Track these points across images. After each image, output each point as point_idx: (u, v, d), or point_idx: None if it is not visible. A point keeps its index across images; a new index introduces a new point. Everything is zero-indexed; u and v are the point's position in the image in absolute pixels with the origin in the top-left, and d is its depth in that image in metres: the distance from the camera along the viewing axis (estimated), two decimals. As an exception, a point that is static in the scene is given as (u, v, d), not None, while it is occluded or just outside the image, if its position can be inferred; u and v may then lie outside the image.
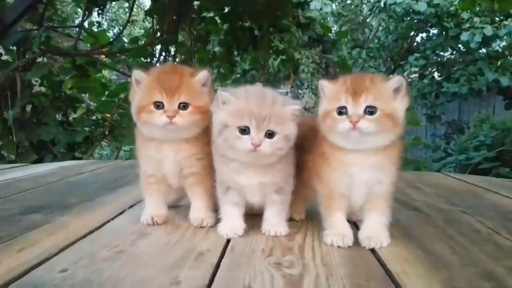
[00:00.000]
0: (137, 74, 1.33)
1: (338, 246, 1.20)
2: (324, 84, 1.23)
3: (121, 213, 1.51)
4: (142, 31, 9.07)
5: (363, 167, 1.20)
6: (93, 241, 1.22)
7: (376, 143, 1.17)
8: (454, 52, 7.59)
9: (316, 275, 1.00)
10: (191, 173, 1.39)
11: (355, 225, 1.34)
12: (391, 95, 1.16)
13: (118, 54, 4.90)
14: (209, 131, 1.30)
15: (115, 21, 12.11)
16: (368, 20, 8.60)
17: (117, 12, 12.29)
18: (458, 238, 1.31)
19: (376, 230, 1.23)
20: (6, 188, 1.93)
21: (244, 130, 1.14)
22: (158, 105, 1.27)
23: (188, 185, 1.41)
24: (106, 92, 4.68)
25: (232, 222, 1.29)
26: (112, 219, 1.44)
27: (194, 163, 1.37)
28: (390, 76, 1.18)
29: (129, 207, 1.59)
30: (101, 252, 1.11)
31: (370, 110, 1.12)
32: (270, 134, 1.15)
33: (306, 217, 1.47)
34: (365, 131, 1.12)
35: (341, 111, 1.15)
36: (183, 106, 1.28)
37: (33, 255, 1.07)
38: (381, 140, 1.17)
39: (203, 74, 1.32)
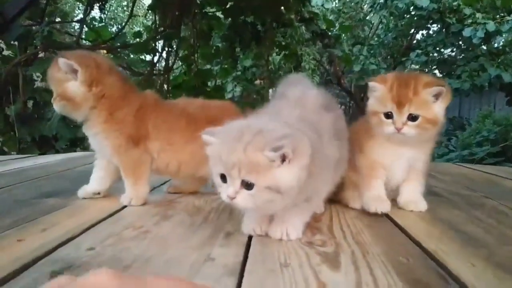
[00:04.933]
0: None
1: (381, 212, 1.28)
2: (373, 86, 1.32)
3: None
4: (142, 28, 9.03)
5: (406, 147, 1.34)
6: (116, 222, 1.18)
7: (417, 141, 1.31)
8: (455, 49, 7.58)
9: (352, 252, 0.97)
10: None
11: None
12: (431, 99, 1.26)
13: (119, 50, 4.86)
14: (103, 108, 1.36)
15: (113, 20, 12.05)
16: (368, 17, 8.58)
17: (116, 11, 12.23)
18: (486, 220, 1.28)
19: (414, 196, 1.38)
20: (16, 175, 1.89)
21: (223, 177, 0.96)
22: None
23: None
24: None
25: (259, 219, 1.09)
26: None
27: (103, 142, 1.38)
28: (432, 81, 1.29)
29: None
30: (126, 232, 1.08)
31: (413, 117, 1.26)
32: (247, 185, 0.92)
33: (328, 200, 1.43)
34: (408, 136, 1.27)
35: (388, 114, 1.28)
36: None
37: (57, 235, 1.04)
38: (422, 138, 1.31)
39: (60, 62, 1.31)
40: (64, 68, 1.31)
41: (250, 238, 1.05)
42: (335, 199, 1.40)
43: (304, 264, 0.89)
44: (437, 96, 1.26)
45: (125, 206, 1.35)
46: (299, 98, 1.15)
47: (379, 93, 1.31)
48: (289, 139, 0.91)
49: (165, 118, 1.43)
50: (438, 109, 1.28)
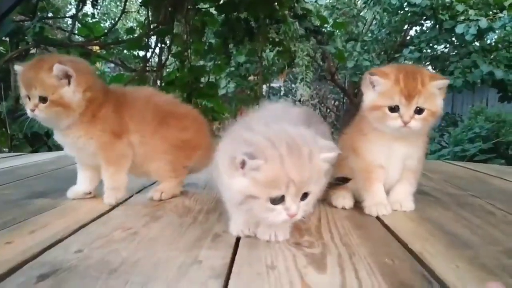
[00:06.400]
0: None
1: (383, 215, 1.30)
2: (376, 80, 1.28)
3: (129, 198, 1.48)
4: (135, 24, 8.97)
5: (400, 143, 1.33)
6: (105, 223, 1.19)
7: (418, 133, 1.31)
8: (448, 45, 7.59)
9: (338, 254, 0.98)
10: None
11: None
12: (437, 92, 1.28)
13: (112, 46, 4.83)
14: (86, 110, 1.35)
15: (106, 15, 11.97)
16: (361, 13, 8.58)
17: (108, 6, 12.14)
18: (473, 219, 1.30)
19: (401, 196, 1.38)
20: (7, 174, 1.89)
21: (279, 198, 0.91)
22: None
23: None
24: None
25: (246, 220, 1.07)
26: (122, 203, 1.41)
27: (87, 143, 1.37)
28: (435, 74, 1.33)
29: (137, 192, 1.57)
30: (115, 234, 1.08)
31: (419, 109, 1.25)
32: (304, 195, 0.93)
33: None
34: (414, 129, 1.26)
35: (393, 108, 1.26)
36: (43, 100, 1.29)
37: (45, 237, 1.04)
38: (423, 131, 1.32)
39: (56, 68, 1.29)
40: (58, 73, 1.28)
41: (238, 239, 1.06)
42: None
43: (291, 266, 0.90)
44: (439, 89, 1.28)
45: (115, 207, 1.35)
46: (281, 112, 1.17)
47: (383, 87, 1.27)
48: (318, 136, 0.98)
49: (136, 108, 1.45)
50: (440, 102, 1.29)
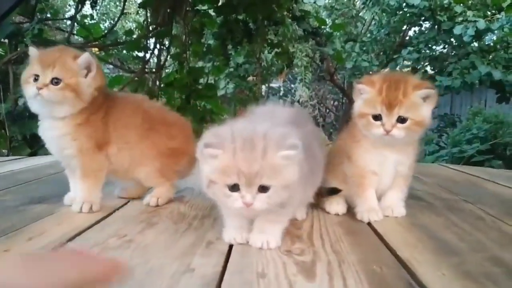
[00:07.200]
0: None
1: (375, 221, 1.33)
2: (362, 88, 1.33)
3: (126, 204, 1.51)
4: (134, 24, 8.99)
5: (392, 149, 1.35)
6: (101, 230, 1.21)
7: (403, 142, 1.33)
8: (446, 46, 7.61)
9: (328, 261, 1.00)
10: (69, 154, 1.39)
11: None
12: (420, 102, 1.29)
13: (111, 47, 4.85)
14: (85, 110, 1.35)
15: (105, 15, 11.99)
16: (360, 14, 8.60)
17: (108, 6, 12.16)
18: (463, 225, 1.32)
19: (392, 202, 1.41)
20: (6, 179, 1.91)
21: (234, 186, 0.97)
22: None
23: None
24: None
25: (239, 227, 1.12)
26: (118, 209, 1.43)
27: (70, 143, 1.36)
28: (421, 83, 1.32)
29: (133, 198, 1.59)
30: (110, 241, 1.11)
31: (402, 118, 1.27)
32: (263, 188, 0.97)
33: (309, 205, 1.46)
34: (396, 137, 1.28)
35: (376, 116, 1.29)
36: (55, 82, 1.28)
37: (42, 244, 1.07)
38: (408, 140, 1.34)
39: (83, 57, 1.32)
40: (82, 63, 1.32)
41: (231, 246, 1.08)
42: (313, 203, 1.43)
43: (281, 274, 0.92)
44: (425, 98, 1.29)
45: (111, 213, 1.38)
46: (268, 112, 1.20)
47: (368, 95, 1.31)
48: (292, 135, 0.99)
49: (122, 116, 1.45)
50: (426, 111, 1.30)
